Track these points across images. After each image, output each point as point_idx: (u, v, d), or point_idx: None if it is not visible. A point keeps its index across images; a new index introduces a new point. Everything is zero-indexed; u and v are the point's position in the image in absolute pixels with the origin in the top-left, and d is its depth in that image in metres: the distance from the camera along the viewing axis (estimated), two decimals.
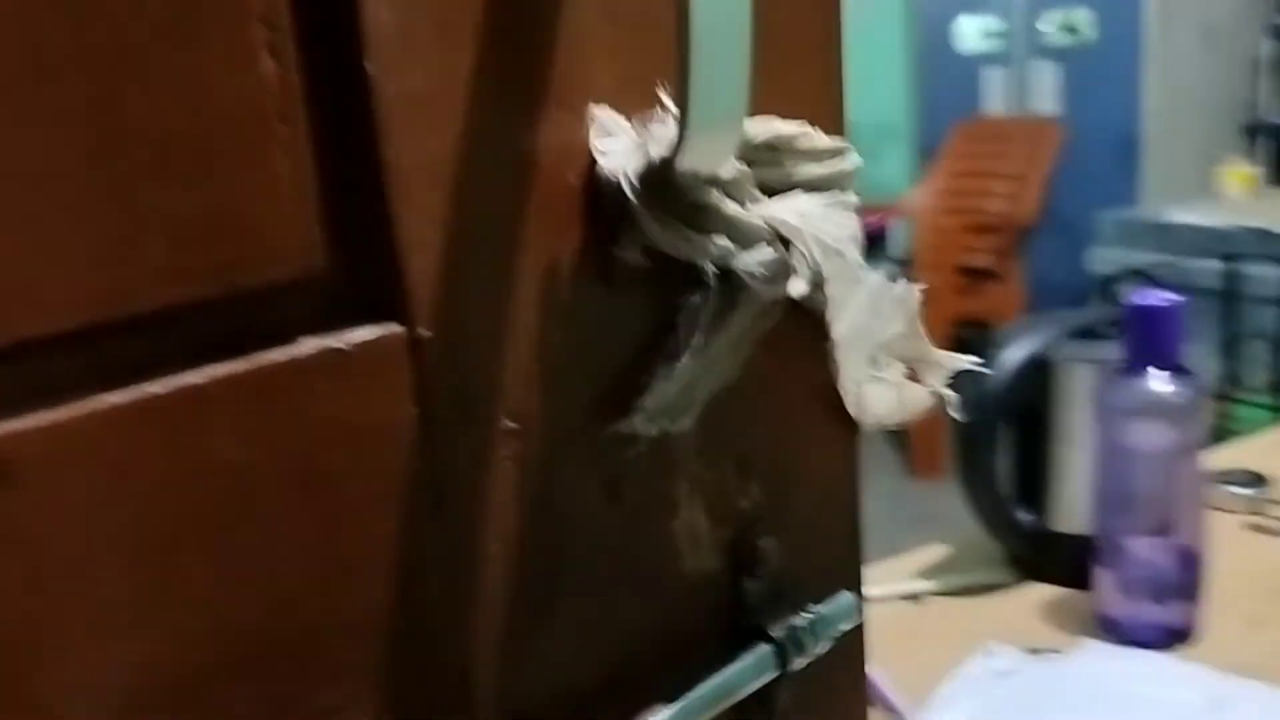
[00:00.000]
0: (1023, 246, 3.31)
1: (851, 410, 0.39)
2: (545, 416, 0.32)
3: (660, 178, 0.30)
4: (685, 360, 0.34)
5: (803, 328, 0.36)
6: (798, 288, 0.34)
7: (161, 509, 0.25)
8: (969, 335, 3.49)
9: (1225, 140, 3.43)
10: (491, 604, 0.32)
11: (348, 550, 0.28)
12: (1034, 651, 0.70)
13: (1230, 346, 1.65)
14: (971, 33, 3.89)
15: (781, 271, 0.34)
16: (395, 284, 0.28)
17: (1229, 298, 1.59)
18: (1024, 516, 0.79)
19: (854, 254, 0.36)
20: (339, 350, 0.27)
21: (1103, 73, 3.49)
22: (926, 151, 4.02)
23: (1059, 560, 0.78)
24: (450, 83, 0.28)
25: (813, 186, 0.36)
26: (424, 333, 0.28)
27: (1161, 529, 0.70)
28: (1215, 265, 1.67)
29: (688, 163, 0.30)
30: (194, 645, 0.26)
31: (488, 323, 0.30)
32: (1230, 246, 1.87)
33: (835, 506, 0.43)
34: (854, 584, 0.42)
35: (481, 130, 0.29)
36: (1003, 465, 0.79)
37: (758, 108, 0.33)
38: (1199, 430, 0.69)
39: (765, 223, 0.33)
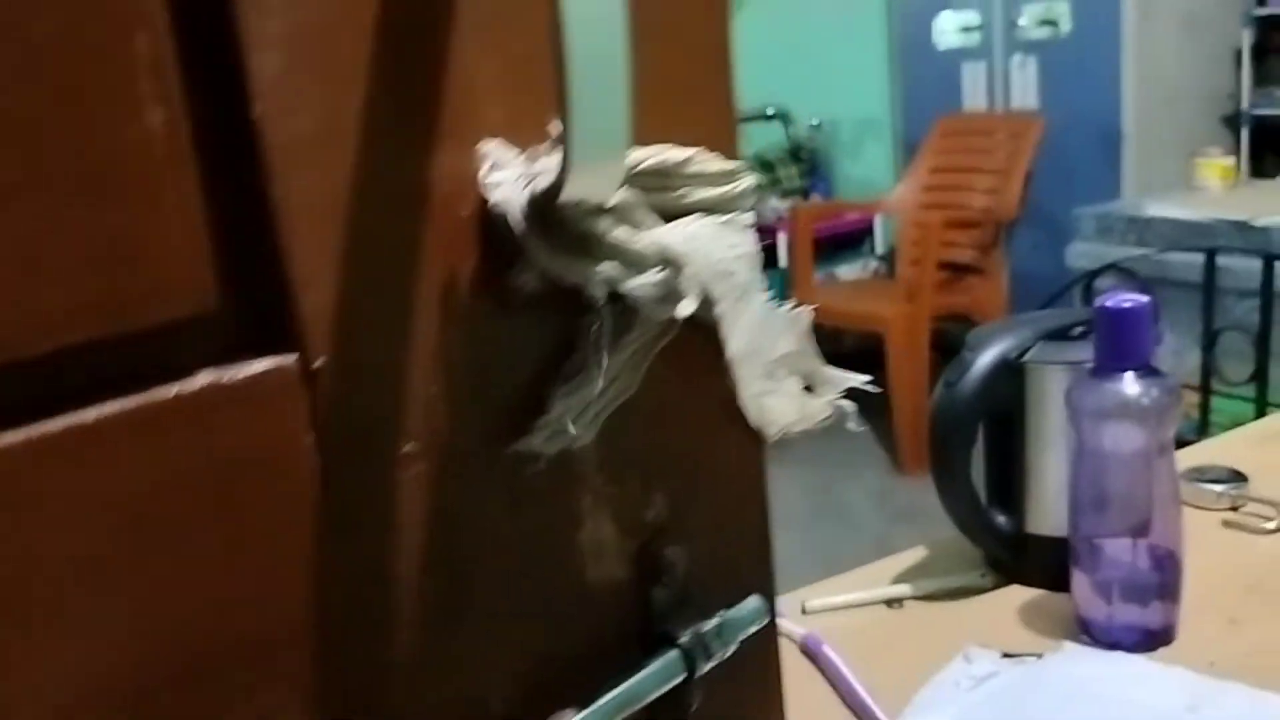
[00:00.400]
0: (1005, 241, 3.31)
1: (753, 421, 0.41)
2: (447, 438, 0.34)
3: (547, 208, 0.32)
4: (583, 379, 0.36)
5: (705, 344, 0.38)
6: (686, 309, 0.35)
7: (72, 539, 0.26)
8: (952, 329, 3.50)
9: (1206, 132, 3.44)
10: (401, 617, 0.34)
11: (260, 572, 0.30)
12: (1012, 656, 0.70)
13: (1210, 339, 1.66)
14: (951, 28, 3.90)
15: (670, 294, 0.35)
16: (288, 317, 0.29)
17: (1208, 290, 1.60)
18: (1000, 519, 0.78)
19: (746, 274, 0.38)
20: (234, 383, 0.28)
21: (1082, 66, 3.50)
22: (909, 147, 4.03)
23: (1036, 563, 0.77)
24: (338, 124, 0.29)
25: (707, 209, 0.37)
26: (319, 363, 0.30)
27: (1137, 530, 0.70)
28: (1194, 258, 1.67)
29: (573, 193, 0.31)
30: (129, 660, 0.28)
31: (385, 351, 0.32)
32: (1209, 239, 1.88)
33: (743, 514, 0.44)
34: (763, 588, 0.44)
35: (373, 167, 0.30)
36: (978, 468, 0.79)
37: (651, 136, 0.35)
38: (1172, 430, 0.69)
39: (655, 247, 0.35)
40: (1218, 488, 0.88)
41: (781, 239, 3.84)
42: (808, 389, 0.43)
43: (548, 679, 0.37)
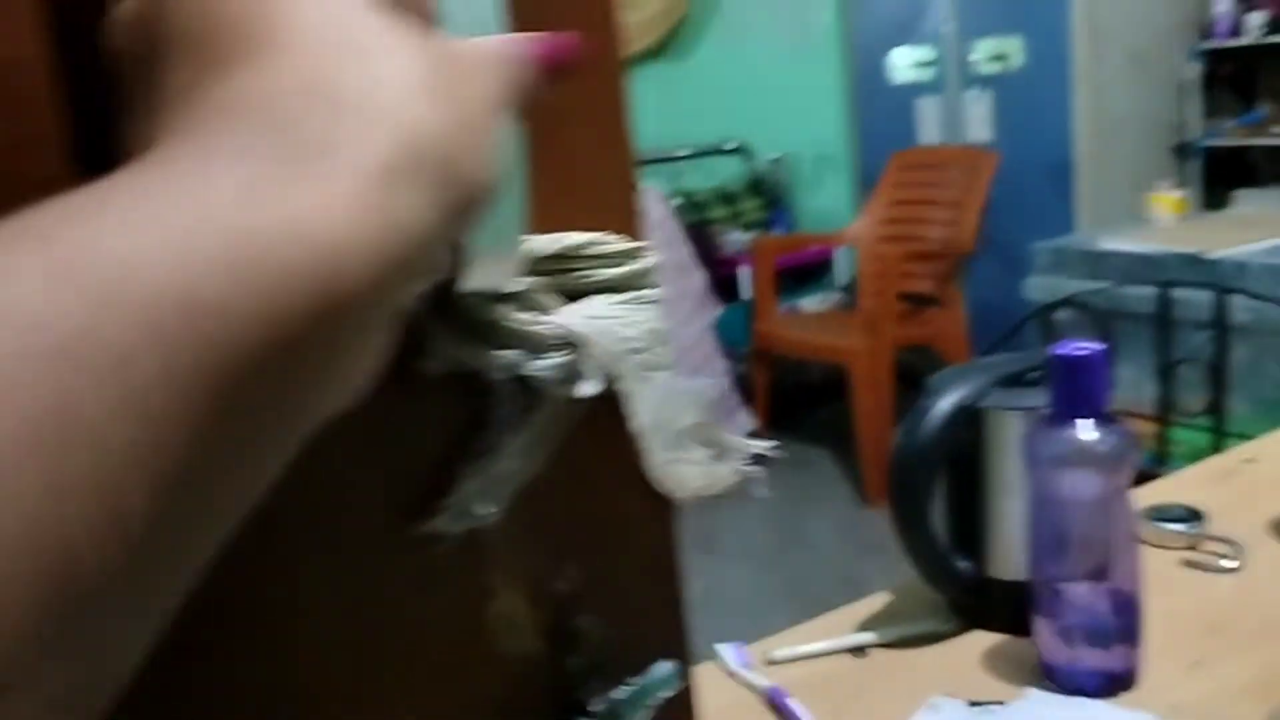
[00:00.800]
0: (963, 273, 3.35)
1: (662, 489, 0.43)
2: (353, 520, 0.35)
3: (448, 296, 0.33)
4: (487, 460, 0.37)
5: (614, 415, 0.40)
6: (587, 389, 0.37)
7: None
8: (914, 360, 3.53)
9: (1156, 164, 3.51)
10: (310, 696, 0.35)
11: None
12: (977, 704, 0.69)
13: (1166, 371, 1.68)
14: (905, 64, 3.96)
15: (572, 374, 0.37)
16: None
17: (1163, 323, 1.62)
18: (962, 564, 0.79)
19: (650, 350, 0.40)
20: None
21: (1035, 100, 3.56)
22: (867, 181, 4.08)
23: (999, 608, 0.77)
24: None
25: (611, 288, 0.39)
26: None
27: (1097, 574, 0.70)
28: (1148, 291, 1.69)
29: (473, 283, 0.33)
30: None
31: None
32: (1162, 272, 1.91)
33: (656, 579, 0.46)
34: (678, 652, 0.45)
35: None
36: (939, 514, 0.79)
37: (553, 222, 0.37)
38: (1128, 475, 0.69)
39: (557, 330, 0.37)
40: (1176, 527, 0.89)
41: (744, 271, 3.86)
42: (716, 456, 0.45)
43: None
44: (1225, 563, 0.85)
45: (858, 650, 0.79)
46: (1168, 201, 2.76)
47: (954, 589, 0.79)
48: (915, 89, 3.94)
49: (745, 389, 3.65)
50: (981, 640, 0.78)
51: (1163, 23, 3.50)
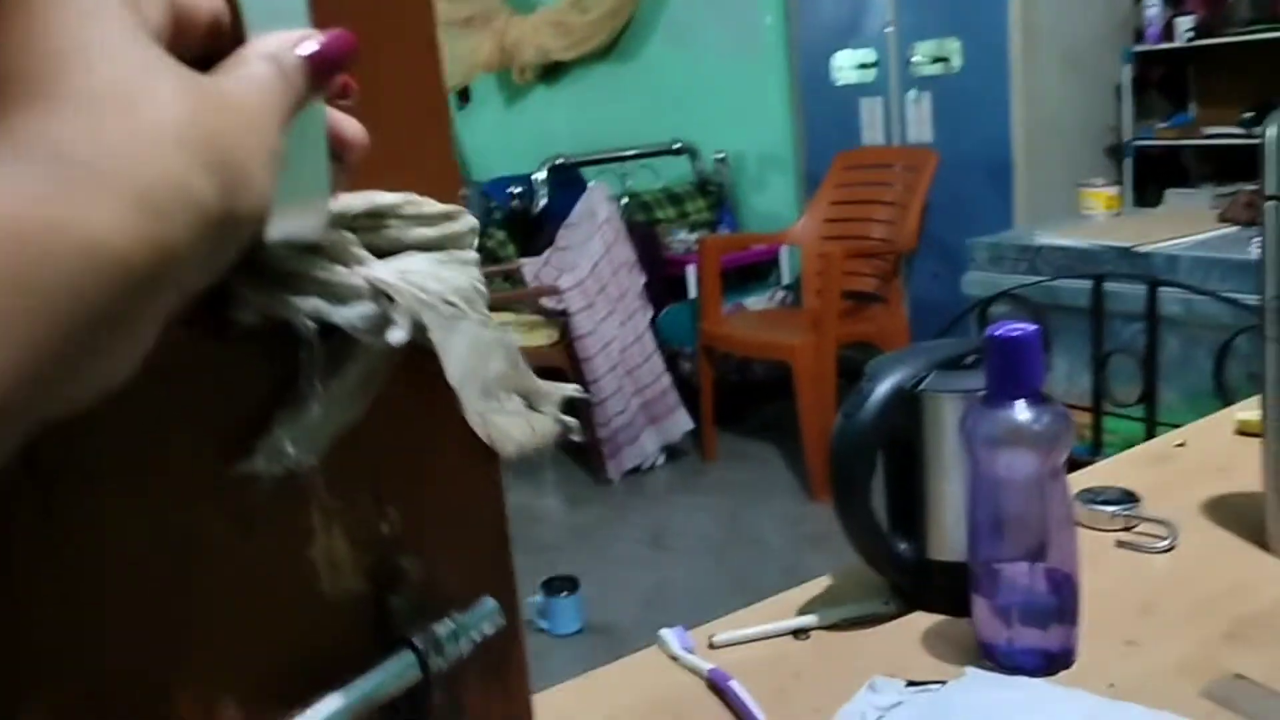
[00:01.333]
0: (905, 270, 3.39)
1: (483, 438, 0.44)
2: (168, 463, 0.36)
3: (254, 247, 0.34)
4: (299, 405, 0.39)
5: (434, 367, 0.41)
6: (397, 336, 0.39)
7: None
8: (857, 356, 3.56)
9: (1090, 163, 3.58)
10: (124, 637, 0.36)
11: None
12: (916, 684, 0.70)
13: (1100, 362, 1.71)
14: (848, 65, 4.00)
15: (380, 324, 0.39)
16: None
17: (1097, 315, 1.65)
18: (902, 546, 0.79)
19: (461, 303, 0.42)
20: None
21: (973, 101, 3.62)
22: (811, 181, 4.11)
23: (938, 589, 0.78)
24: None
25: (426, 246, 0.42)
26: None
27: (1034, 554, 0.71)
28: (1083, 285, 1.72)
29: (277, 232, 0.34)
30: None
31: None
32: (1095, 266, 1.95)
33: (479, 523, 0.48)
34: (502, 591, 0.48)
35: None
36: (879, 497, 0.79)
37: (372, 184, 0.39)
38: (1064, 455, 0.70)
39: (365, 280, 0.39)
40: (1110, 509, 0.90)
41: (691, 271, 3.87)
42: (532, 407, 0.47)
43: (287, 687, 0.40)
44: (1159, 543, 0.86)
45: (799, 633, 0.79)
46: (1101, 198, 2.81)
47: (894, 571, 0.79)
48: (858, 90, 3.98)
49: (691, 387, 3.66)
50: (922, 621, 0.78)
51: (1096, 26, 3.57)
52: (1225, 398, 1.78)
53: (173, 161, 0.27)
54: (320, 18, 0.33)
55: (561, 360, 3.46)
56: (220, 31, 0.32)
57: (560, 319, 3.40)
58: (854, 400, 0.75)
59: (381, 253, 0.40)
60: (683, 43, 4.83)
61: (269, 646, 0.40)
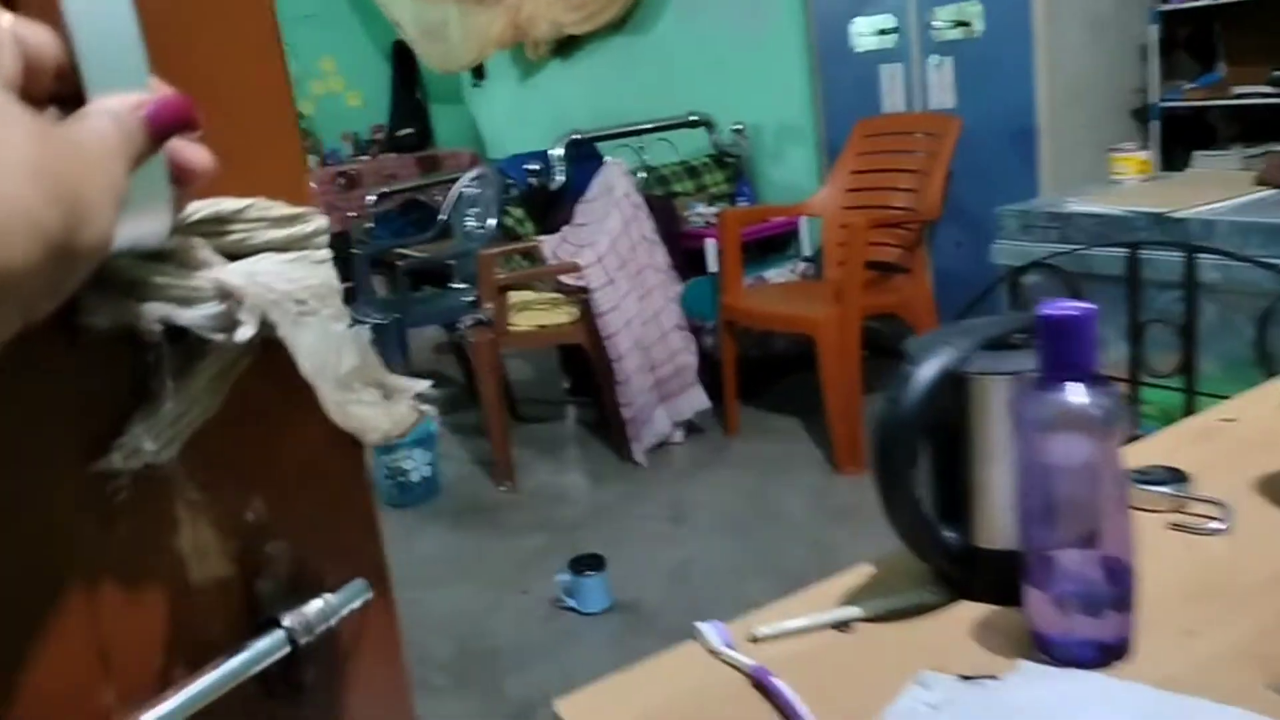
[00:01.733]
0: (928, 240, 3.34)
1: (344, 428, 0.46)
2: (22, 464, 0.38)
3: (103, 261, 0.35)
4: (153, 404, 0.41)
5: (292, 362, 0.43)
6: (243, 335, 0.41)
7: None
8: (881, 328, 3.52)
9: (1116, 127, 3.51)
10: None
11: None
12: (968, 678, 0.67)
13: (1136, 332, 1.67)
14: (867, 31, 3.93)
15: (228, 323, 0.41)
16: None
17: (1132, 284, 1.60)
18: (948, 534, 0.76)
19: (316, 300, 0.43)
20: None
21: (996, 65, 3.55)
22: (831, 151, 4.05)
23: (986, 577, 0.75)
24: None
25: (277, 248, 0.44)
26: None
27: (1088, 540, 0.68)
28: (1116, 252, 1.68)
29: (121, 245, 0.35)
30: None
31: None
32: (1129, 233, 1.90)
33: (346, 508, 0.51)
34: (371, 570, 0.51)
35: None
36: (924, 482, 0.77)
37: (220, 188, 0.41)
38: (1118, 438, 0.67)
39: (212, 283, 0.40)
40: (1161, 489, 0.87)
41: (710, 244, 3.83)
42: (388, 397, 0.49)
43: (159, 668, 0.42)
44: (1213, 524, 0.83)
45: (842, 625, 0.76)
46: (1132, 162, 2.74)
47: (941, 559, 0.77)
48: (878, 56, 3.91)
49: (712, 362, 3.63)
50: (969, 611, 0.75)
51: None
52: (1267, 367, 1.73)
53: (24, 194, 0.30)
54: (154, 24, 0.35)
55: (583, 338, 3.43)
56: (65, 76, 0.35)
57: (581, 296, 3.37)
58: (898, 383, 0.72)
59: (235, 256, 0.42)
60: (697, 13, 4.77)
61: (139, 631, 0.42)
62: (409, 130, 6.61)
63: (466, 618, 2.67)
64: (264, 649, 0.45)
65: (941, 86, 3.72)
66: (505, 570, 2.90)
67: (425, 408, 0.50)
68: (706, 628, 0.77)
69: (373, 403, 0.47)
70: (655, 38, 5.07)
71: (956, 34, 3.62)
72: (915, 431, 0.72)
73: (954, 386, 0.73)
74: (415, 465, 3.39)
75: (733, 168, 4.57)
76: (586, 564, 2.62)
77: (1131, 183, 2.70)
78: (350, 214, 5.27)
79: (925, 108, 3.77)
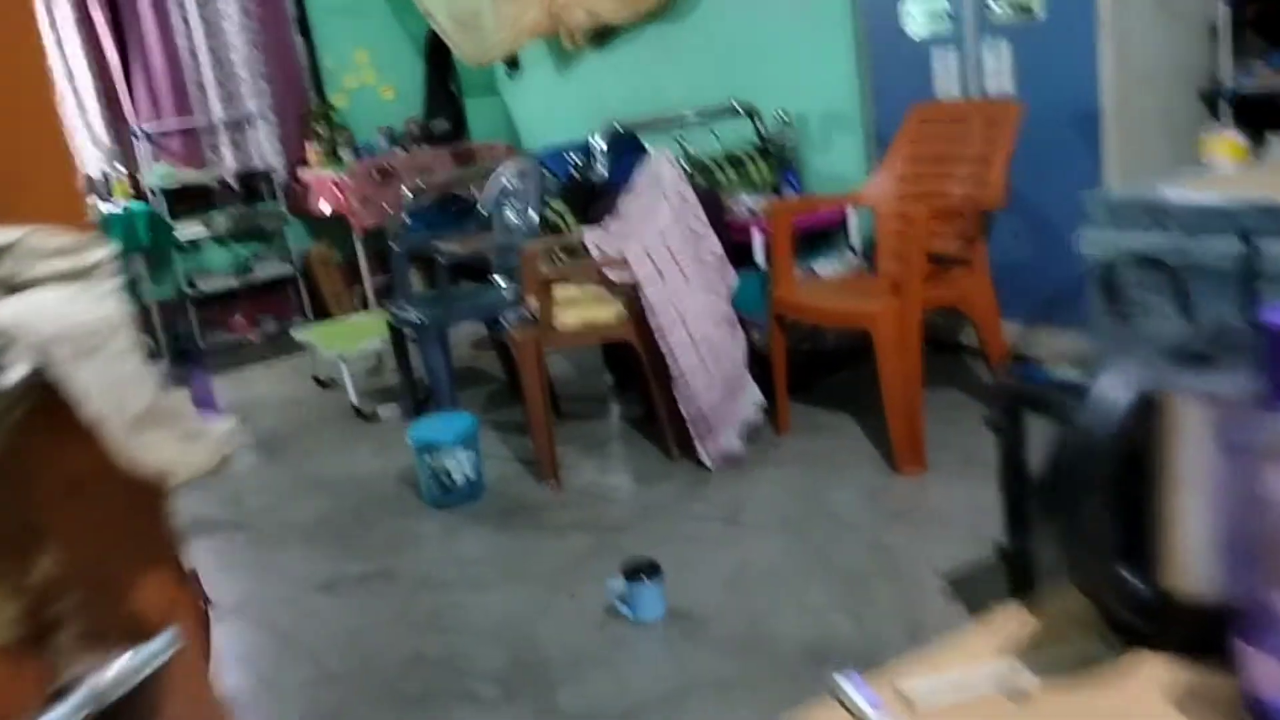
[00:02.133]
0: (988, 230, 3.22)
1: (140, 471, 0.43)
2: None
3: None
4: None
5: (75, 406, 0.38)
6: (14, 376, 0.39)
7: None
8: (939, 322, 3.40)
9: (1185, 111, 3.37)
10: None
11: None
12: None
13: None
14: (919, 15, 3.80)
15: (3, 364, 0.36)
16: None
17: (1247, 279, 1.48)
18: (1133, 578, 0.66)
19: (100, 335, 0.39)
20: None
21: (1057, 49, 3.42)
22: (880, 139, 3.92)
23: (1179, 628, 0.65)
24: None
25: (60, 279, 0.41)
26: None
27: None
28: (1224, 245, 1.55)
29: None
30: None
31: None
32: (1234, 223, 1.77)
33: (148, 552, 0.50)
34: (180, 611, 0.48)
35: None
36: (1096, 515, 0.66)
37: None
38: None
39: None
40: None
41: (756, 236, 3.72)
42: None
43: None
44: None
45: (1015, 691, 0.66)
46: (1228, 147, 2.59)
47: (1123, 606, 0.66)
48: (931, 41, 3.78)
49: (762, 358, 3.52)
50: (1159, 670, 0.65)
51: None
52: None
53: None
54: None
55: (631, 335, 3.33)
56: None
57: (627, 292, 3.27)
58: (1084, 405, 0.62)
59: (14, 289, 0.40)
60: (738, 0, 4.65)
61: None
62: (443, 122, 6.54)
63: (514, 624, 2.59)
64: (67, 715, 0.43)
65: (998, 71, 3.58)
66: (552, 573, 2.81)
67: (232, 449, 0.49)
68: (846, 685, 0.67)
69: (173, 441, 0.45)
70: (695, 24, 4.96)
71: (1015, 17, 3.49)
72: (1107, 464, 0.62)
73: (1145, 410, 0.63)
74: (458, 465, 3.31)
75: (777, 157, 4.46)
76: (640, 570, 2.53)
77: (1227, 168, 2.54)
78: (387, 208, 5.21)
79: (981, 93, 3.64)
